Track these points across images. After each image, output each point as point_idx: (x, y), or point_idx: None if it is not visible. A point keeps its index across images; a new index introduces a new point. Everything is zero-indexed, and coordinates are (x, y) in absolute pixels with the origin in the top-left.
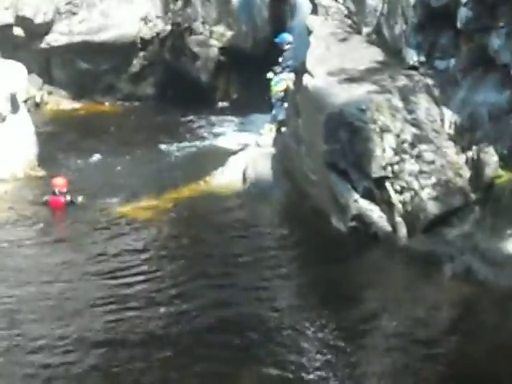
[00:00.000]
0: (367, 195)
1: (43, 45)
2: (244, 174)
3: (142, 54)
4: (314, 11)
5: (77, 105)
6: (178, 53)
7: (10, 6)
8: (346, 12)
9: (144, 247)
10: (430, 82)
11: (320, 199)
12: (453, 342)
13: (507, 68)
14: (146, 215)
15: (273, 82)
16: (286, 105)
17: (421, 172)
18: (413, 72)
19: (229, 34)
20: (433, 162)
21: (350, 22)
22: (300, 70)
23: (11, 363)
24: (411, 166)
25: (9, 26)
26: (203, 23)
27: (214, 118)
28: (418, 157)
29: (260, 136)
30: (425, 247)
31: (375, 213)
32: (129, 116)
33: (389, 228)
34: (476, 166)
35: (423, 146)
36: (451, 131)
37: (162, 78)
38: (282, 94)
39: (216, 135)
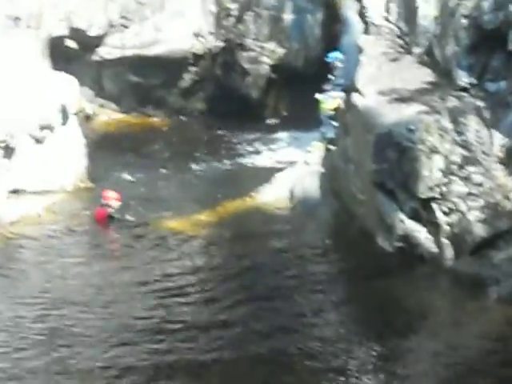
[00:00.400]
0: (414, 216)
1: (95, 57)
2: (291, 192)
3: (193, 69)
4: (366, 30)
5: (127, 118)
6: (228, 69)
7: (64, 19)
8: (397, 32)
9: (192, 265)
10: (480, 103)
11: (367, 219)
12: (494, 365)
13: None
14: (193, 230)
15: (323, 100)
16: (335, 123)
17: (469, 194)
18: (463, 94)
19: (280, 51)
20: (481, 185)
21: (401, 42)
22: (350, 89)
23: None
24: (459, 187)
25: (62, 38)
26: (254, 40)
27: (262, 135)
28: (467, 179)
29: (308, 154)
30: (471, 270)
31: (422, 234)
32: (178, 131)
33: (435, 249)
34: None
35: (472, 168)
36: (501, 154)
37: (212, 93)
38: (332, 112)
39: (264, 152)
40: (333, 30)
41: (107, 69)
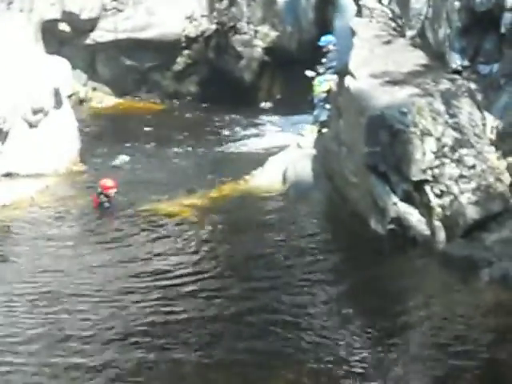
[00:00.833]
0: (406, 198)
1: (88, 41)
2: (284, 175)
3: (186, 52)
4: (359, 13)
5: (120, 101)
6: (222, 52)
7: (56, 2)
8: (390, 15)
9: (185, 246)
10: (472, 86)
11: (359, 202)
12: (487, 347)
13: None
14: (186, 214)
15: (315, 83)
16: (328, 106)
17: (461, 176)
18: (456, 76)
19: (273, 34)
20: (473, 167)
21: (394, 24)
22: (343, 72)
23: None
24: (451, 170)
25: (54, 22)
26: (248, 23)
27: (255, 118)
28: (459, 161)
29: (301, 137)
30: (463, 252)
31: (414, 216)
32: (171, 114)
33: (427, 232)
34: None
35: (464, 151)
36: (493, 136)
37: (205, 76)
38: (325, 95)
39: (257, 135)
40: (325, 12)
41: (100, 52)
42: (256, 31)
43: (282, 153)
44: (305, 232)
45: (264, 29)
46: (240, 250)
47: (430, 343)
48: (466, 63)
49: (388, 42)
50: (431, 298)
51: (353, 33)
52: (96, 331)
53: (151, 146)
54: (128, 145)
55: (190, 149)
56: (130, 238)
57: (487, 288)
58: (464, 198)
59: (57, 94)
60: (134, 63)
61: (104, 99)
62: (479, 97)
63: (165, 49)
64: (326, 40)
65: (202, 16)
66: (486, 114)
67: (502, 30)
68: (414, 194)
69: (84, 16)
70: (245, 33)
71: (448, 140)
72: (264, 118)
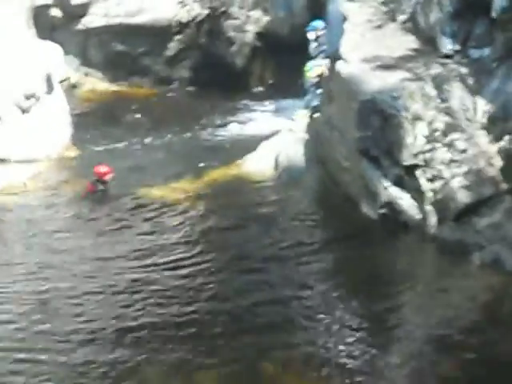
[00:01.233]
0: (398, 183)
1: (80, 26)
2: (276, 160)
3: (178, 37)
4: None
5: (113, 86)
6: (213, 37)
7: None
8: None
9: (179, 235)
10: (464, 70)
11: (351, 186)
12: (479, 331)
13: None
14: (179, 199)
15: (306, 68)
16: (319, 91)
17: (452, 161)
18: (447, 60)
19: (265, 19)
20: (464, 151)
21: (385, 9)
22: (334, 56)
23: None
24: (443, 154)
25: (46, 7)
26: (240, 8)
27: (247, 103)
28: (450, 145)
29: (293, 121)
30: (454, 236)
31: (405, 201)
32: (163, 99)
33: (419, 216)
34: (508, 155)
35: (455, 135)
36: (484, 120)
37: (197, 62)
38: (316, 79)
39: (249, 120)
40: None
41: (92, 38)
42: (248, 16)
43: (274, 138)
44: (295, 216)
45: (256, 14)
46: (230, 235)
47: (420, 325)
48: (458, 47)
49: (379, 27)
50: (422, 282)
51: (344, 17)
52: None
53: (143, 131)
54: (119, 130)
55: (182, 135)
56: (123, 222)
57: (478, 272)
58: (455, 183)
59: (49, 79)
60: (126, 48)
61: (96, 84)
62: (470, 81)
63: (157, 34)
64: (314, 26)
65: (194, 1)
66: (478, 98)
67: (493, 14)
68: (406, 178)
69: (75, 1)
70: (236, 18)
71: (439, 124)
72: (256, 102)
